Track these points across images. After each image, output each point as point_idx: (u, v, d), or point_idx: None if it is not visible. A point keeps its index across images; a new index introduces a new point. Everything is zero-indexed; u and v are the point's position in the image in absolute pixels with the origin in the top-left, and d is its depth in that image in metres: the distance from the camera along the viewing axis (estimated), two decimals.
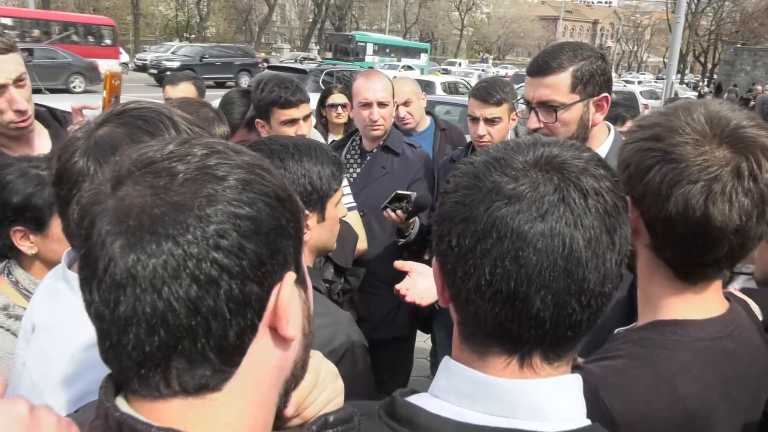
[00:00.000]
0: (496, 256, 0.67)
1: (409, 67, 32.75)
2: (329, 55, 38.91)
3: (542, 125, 1.68)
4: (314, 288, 1.34)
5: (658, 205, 0.92)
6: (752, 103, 18.42)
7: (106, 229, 0.56)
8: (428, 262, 2.81)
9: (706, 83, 33.48)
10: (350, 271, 2.01)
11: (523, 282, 0.66)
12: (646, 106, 20.00)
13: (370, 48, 39.37)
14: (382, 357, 2.60)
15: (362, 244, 2.39)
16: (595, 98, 1.67)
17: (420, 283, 1.79)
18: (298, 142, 1.39)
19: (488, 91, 2.43)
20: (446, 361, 0.77)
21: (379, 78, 2.57)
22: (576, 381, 0.73)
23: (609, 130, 1.81)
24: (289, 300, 0.62)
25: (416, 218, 2.40)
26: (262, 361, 0.61)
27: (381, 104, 2.51)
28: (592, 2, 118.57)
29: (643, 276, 1.04)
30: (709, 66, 53.36)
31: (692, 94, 29.08)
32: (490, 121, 2.44)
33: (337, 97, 3.99)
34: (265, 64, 28.90)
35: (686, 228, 0.91)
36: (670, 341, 0.95)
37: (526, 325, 0.68)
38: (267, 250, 0.59)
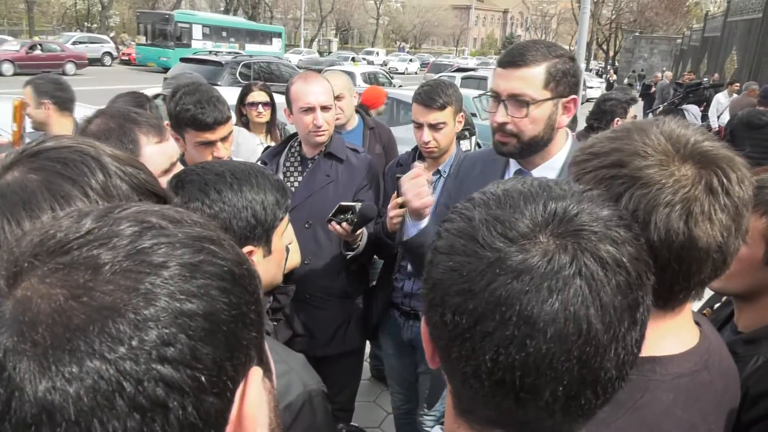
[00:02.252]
0: (498, 342, 0.57)
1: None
2: (142, 39, 31.21)
3: (510, 120, 1.62)
4: None
5: None
6: (653, 89, 19.56)
7: (4, 346, 0.41)
8: (366, 274, 2.73)
9: (613, 71, 35.24)
10: (279, 288, 1.88)
11: (531, 373, 0.57)
12: None
13: (198, 30, 31.51)
14: (333, 372, 2.50)
15: (295, 256, 2.26)
16: (565, 99, 1.63)
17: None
18: (236, 168, 1.23)
19: (431, 96, 2.31)
20: None
21: (319, 80, 2.43)
22: None
23: (567, 135, 1.78)
24: (257, 404, 0.50)
25: (364, 229, 2.28)
26: None
27: (324, 108, 2.37)
28: None
29: None
30: (611, 53, 56.24)
31: (598, 81, 30.55)
32: (435, 127, 2.34)
33: (257, 95, 3.79)
34: (39, 51, 23.28)
35: (670, 253, 0.86)
36: (651, 381, 0.90)
37: (533, 414, 0.59)
38: (227, 350, 0.47)
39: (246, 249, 1.18)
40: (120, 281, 0.44)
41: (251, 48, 32.38)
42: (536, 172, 1.72)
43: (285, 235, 1.31)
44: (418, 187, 1.81)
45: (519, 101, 1.59)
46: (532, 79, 1.57)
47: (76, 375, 0.40)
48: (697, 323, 1.03)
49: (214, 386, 0.45)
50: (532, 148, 1.66)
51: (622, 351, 0.59)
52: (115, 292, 0.43)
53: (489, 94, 1.70)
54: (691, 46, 29.52)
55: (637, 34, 42.33)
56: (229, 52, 18.50)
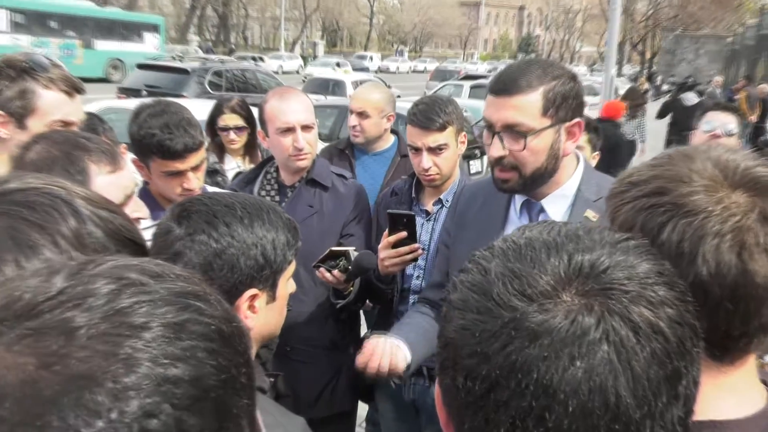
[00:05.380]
0: (514, 414, 0.59)
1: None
2: None
3: (507, 153, 1.67)
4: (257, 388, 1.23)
5: (684, 270, 0.87)
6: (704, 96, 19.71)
7: None
8: (358, 321, 2.73)
9: (646, 76, 35.59)
10: None
11: None
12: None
13: (1, 19, 24.29)
14: None
15: None
16: (568, 124, 1.69)
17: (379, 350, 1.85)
18: (247, 202, 1.29)
19: (428, 116, 2.35)
20: None
21: (297, 96, 2.47)
22: None
23: (578, 159, 1.84)
24: None
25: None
26: None
27: (305, 128, 2.40)
28: None
29: None
30: (648, 55, 57.13)
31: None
32: (435, 150, 2.37)
33: (228, 119, 3.82)
34: None
35: (722, 291, 0.87)
36: None
37: None
38: (215, 420, 0.49)
39: (250, 292, 1.23)
40: (97, 346, 0.46)
41: (106, 46, 26.59)
42: (547, 203, 1.78)
43: (289, 282, 1.36)
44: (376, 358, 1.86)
45: (515, 132, 1.65)
46: (527, 107, 1.63)
47: None
48: (763, 382, 1.02)
49: None
50: (536, 182, 1.72)
51: (660, 430, 0.60)
52: (91, 358, 0.45)
53: (481, 126, 1.74)
54: (744, 45, 29.91)
55: (678, 32, 43.07)
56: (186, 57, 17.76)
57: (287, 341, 2.36)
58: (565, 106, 1.66)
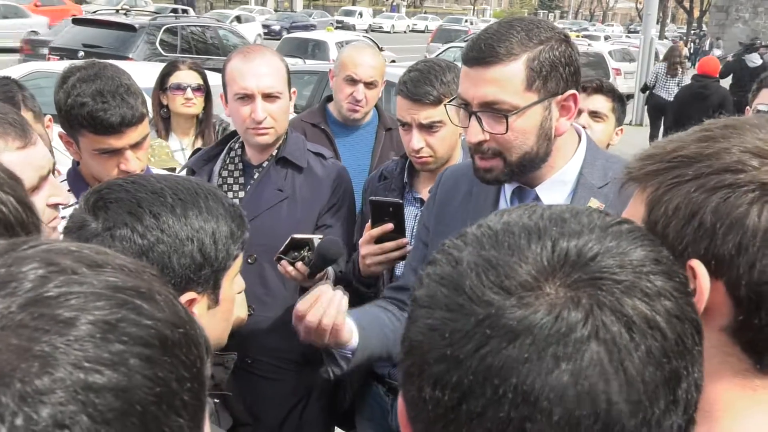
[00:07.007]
0: (491, 426, 0.62)
1: None
2: None
3: (488, 137, 1.67)
4: None
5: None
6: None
7: None
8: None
9: (690, 39, 35.31)
10: (215, 359, 1.92)
11: None
12: (617, 72, 20.88)
13: None
14: None
15: (241, 311, 2.29)
16: (560, 97, 1.69)
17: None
18: (179, 186, 1.28)
19: (419, 86, 2.35)
20: None
21: (265, 57, 2.46)
22: None
23: (579, 137, 1.85)
24: None
25: (329, 269, 2.32)
26: None
27: (269, 96, 2.41)
28: None
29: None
30: (696, 13, 57.19)
31: None
32: (428, 128, 2.37)
33: (184, 75, 3.83)
34: None
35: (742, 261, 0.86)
36: None
37: None
38: None
39: (187, 296, 1.23)
40: (10, 339, 0.48)
41: None
42: (542, 190, 1.79)
43: (236, 281, 1.37)
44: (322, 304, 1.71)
45: (495, 111, 1.65)
46: (508, 80, 1.62)
47: None
48: None
49: None
50: (524, 169, 1.72)
51: None
52: (3, 352, 0.47)
53: (456, 103, 1.73)
54: None
55: None
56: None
57: (248, 352, 2.39)
58: (554, 75, 1.65)
